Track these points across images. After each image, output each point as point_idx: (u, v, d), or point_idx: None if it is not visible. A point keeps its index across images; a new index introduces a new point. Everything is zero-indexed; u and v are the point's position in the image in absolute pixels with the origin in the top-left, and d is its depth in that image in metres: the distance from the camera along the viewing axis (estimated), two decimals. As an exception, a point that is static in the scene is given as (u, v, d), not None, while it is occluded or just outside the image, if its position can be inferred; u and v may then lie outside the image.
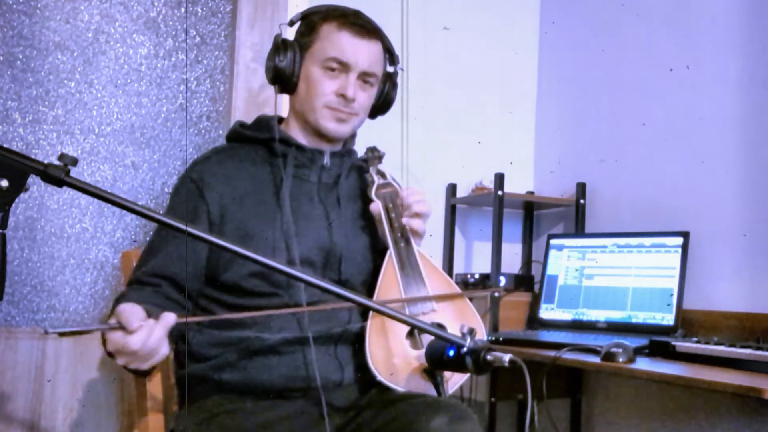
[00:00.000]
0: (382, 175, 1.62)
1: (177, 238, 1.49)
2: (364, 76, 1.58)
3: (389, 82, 1.67)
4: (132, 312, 1.24)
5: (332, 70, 1.56)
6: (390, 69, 1.66)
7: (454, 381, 1.47)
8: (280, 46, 1.58)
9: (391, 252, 1.55)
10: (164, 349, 1.27)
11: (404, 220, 1.57)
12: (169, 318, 1.27)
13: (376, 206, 1.58)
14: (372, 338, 1.48)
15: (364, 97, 1.60)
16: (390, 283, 1.53)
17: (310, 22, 1.60)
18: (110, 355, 1.29)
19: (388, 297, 1.52)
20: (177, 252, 1.50)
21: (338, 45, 1.55)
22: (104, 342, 1.28)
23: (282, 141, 1.59)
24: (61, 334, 1.25)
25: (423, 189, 1.63)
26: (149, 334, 1.23)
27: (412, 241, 1.58)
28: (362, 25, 1.58)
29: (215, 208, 1.53)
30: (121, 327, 1.22)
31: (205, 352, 1.50)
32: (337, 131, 1.60)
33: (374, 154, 1.65)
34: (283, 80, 1.59)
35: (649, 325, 2.09)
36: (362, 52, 1.57)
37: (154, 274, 1.49)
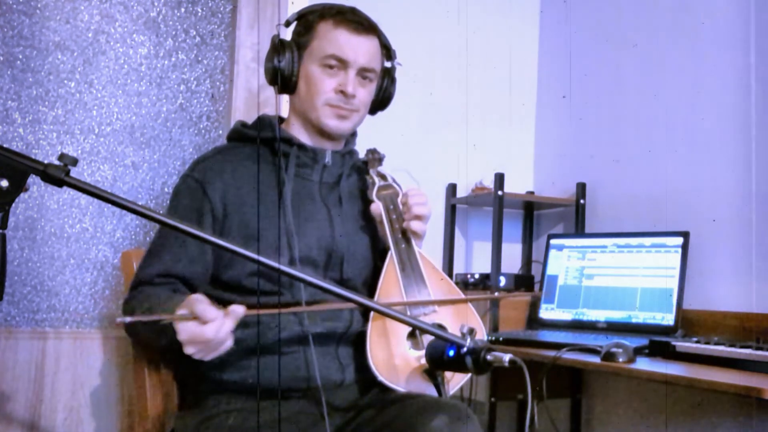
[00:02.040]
0: (382, 177, 1.62)
1: (182, 238, 1.49)
2: (363, 72, 1.59)
3: (387, 78, 1.67)
4: (206, 303, 1.28)
5: (331, 67, 1.56)
6: (387, 64, 1.66)
7: (455, 382, 1.47)
8: (277, 46, 1.59)
9: (392, 253, 1.55)
10: (230, 342, 1.31)
11: (404, 222, 1.57)
12: (240, 310, 1.30)
13: (377, 207, 1.58)
14: (373, 339, 1.48)
15: (364, 93, 1.60)
16: (391, 283, 1.54)
17: (307, 21, 1.60)
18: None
19: (389, 297, 1.52)
20: (184, 252, 1.50)
21: (336, 42, 1.56)
22: (176, 332, 1.29)
23: (284, 140, 1.59)
24: (130, 324, 1.31)
25: (423, 190, 1.63)
26: (222, 324, 1.27)
27: (413, 242, 1.58)
28: (359, 22, 1.58)
29: (218, 206, 1.53)
30: (196, 317, 1.26)
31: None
32: (338, 128, 1.60)
33: (374, 156, 1.65)
34: (282, 80, 1.59)
35: (649, 325, 2.09)
36: (360, 49, 1.57)
37: (163, 274, 1.49)
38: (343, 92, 1.56)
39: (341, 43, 1.56)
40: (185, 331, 1.27)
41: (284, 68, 1.58)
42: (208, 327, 1.25)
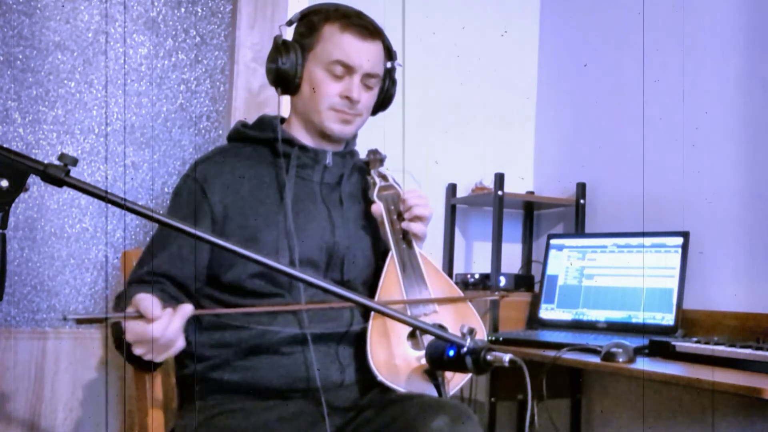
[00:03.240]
0: (383, 177, 1.62)
1: (179, 238, 1.49)
2: (367, 78, 1.59)
3: (389, 79, 1.67)
4: (150, 301, 1.26)
5: (336, 72, 1.56)
6: (388, 65, 1.66)
7: (456, 382, 1.47)
8: (280, 47, 1.57)
9: (392, 253, 1.55)
10: (180, 341, 1.29)
11: (404, 224, 1.56)
12: (187, 308, 1.28)
13: (378, 207, 1.58)
14: (373, 339, 1.48)
15: (368, 98, 1.60)
16: (391, 284, 1.53)
17: (311, 22, 1.59)
18: (119, 347, 1.29)
19: (390, 298, 1.52)
20: (179, 252, 1.50)
21: (342, 48, 1.55)
22: (117, 333, 1.29)
23: (285, 141, 1.59)
24: (79, 321, 1.27)
25: (424, 191, 1.63)
26: (168, 323, 1.25)
27: (414, 243, 1.58)
28: (365, 27, 1.57)
29: (218, 207, 1.53)
30: (142, 315, 1.24)
31: (206, 353, 1.50)
32: (342, 132, 1.60)
33: (376, 157, 1.65)
34: (285, 82, 1.58)
35: (649, 325, 2.09)
36: (365, 54, 1.57)
37: (155, 273, 1.49)
38: (348, 98, 1.56)
39: (347, 50, 1.55)
40: (131, 330, 1.26)
41: (287, 70, 1.56)
42: (154, 326, 1.23)
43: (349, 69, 1.56)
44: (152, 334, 1.24)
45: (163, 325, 1.24)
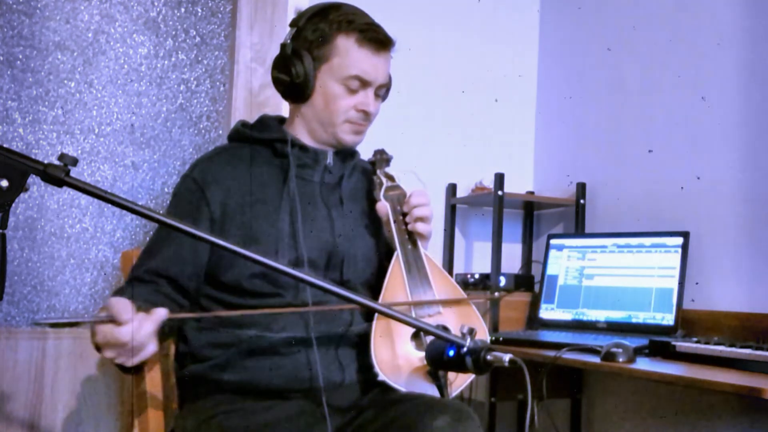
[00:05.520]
0: (389, 177, 1.62)
1: (178, 238, 1.49)
2: (380, 88, 1.60)
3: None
4: (122, 304, 1.25)
5: (352, 87, 1.55)
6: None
7: (458, 384, 1.47)
8: (291, 57, 1.55)
9: (398, 254, 1.55)
10: (152, 346, 1.28)
11: (410, 225, 1.56)
12: (161, 312, 1.28)
13: (384, 207, 1.58)
14: (377, 339, 1.48)
15: (378, 106, 1.61)
16: (396, 284, 1.53)
17: (322, 32, 1.55)
18: (97, 348, 1.29)
19: (395, 298, 1.52)
20: (176, 252, 1.50)
21: (359, 64, 1.54)
22: (93, 334, 1.28)
23: (285, 141, 1.59)
24: (52, 325, 1.25)
25: (427, 192, 1.63)
26: (139, 327, 1.24)
27: (419, 243, 1.58)
28: (381, 41, 1.56)
29: (217, 207, 1.53)
30: (112, 320, 1.23)
31: (206, 353, 1.50)
32: (355, 142, 1.62)
33: (382, 157, 1.65)
34: (296, 93, 1.57)
35: (649, 325, 2.09)
36: (381, 67, 1.57)
37: (152, 272, 1.49)
38: (364, 111, 1.56)
39: (365, 66, 1.54)
40: (101, 333, 1.25)
41: (299, 80, 1.54)
42: (124, 329, 1.23)
43: (365, 83, 1.56)
44: (120, 338, 1.23)
45: (134, 329, 1.23)
